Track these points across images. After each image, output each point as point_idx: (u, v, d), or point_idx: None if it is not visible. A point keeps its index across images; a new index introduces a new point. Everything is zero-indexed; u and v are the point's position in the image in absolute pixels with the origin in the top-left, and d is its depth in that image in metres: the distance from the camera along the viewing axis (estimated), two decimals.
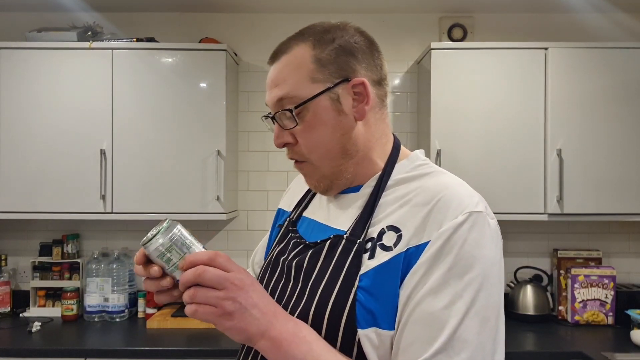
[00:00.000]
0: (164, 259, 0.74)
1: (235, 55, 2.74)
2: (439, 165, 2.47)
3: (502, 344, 0.75)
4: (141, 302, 2.68)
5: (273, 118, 0.87)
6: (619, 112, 2.46)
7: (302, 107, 0.82)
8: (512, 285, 2.72)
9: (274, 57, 0.88)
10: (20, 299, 2.75)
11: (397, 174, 0.86)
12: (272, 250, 0.98)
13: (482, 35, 2.82)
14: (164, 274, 0.76)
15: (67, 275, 2.72)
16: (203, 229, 2.82)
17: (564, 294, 2.67)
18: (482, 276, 0.73)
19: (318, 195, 0.98)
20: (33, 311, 2.68)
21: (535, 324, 2.59)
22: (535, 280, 2.71)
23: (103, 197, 2.48)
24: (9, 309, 2.68)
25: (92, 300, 2.61)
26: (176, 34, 2.82)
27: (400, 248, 0.76)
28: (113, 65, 2.49)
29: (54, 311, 2.67)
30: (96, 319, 2.60)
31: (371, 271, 0.77)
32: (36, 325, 2.43)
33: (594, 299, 2.59)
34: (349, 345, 0.75)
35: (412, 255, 0.75)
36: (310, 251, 0.85)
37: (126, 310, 2.65)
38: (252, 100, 2.87)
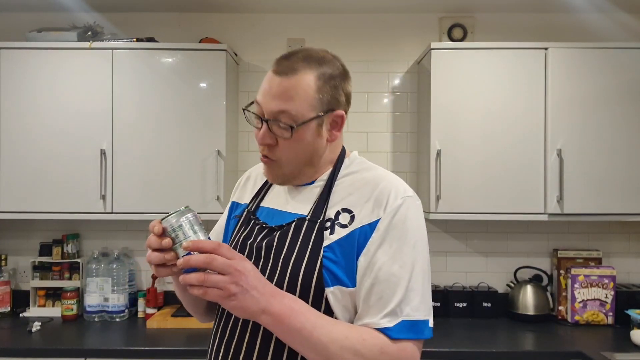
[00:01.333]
0: (173, 235, 0.90)
1: (235, 55, 2.74)
2: (440, 165, 2.50)
3: (430, 290, 1.01)
4: (141, 302, 2.68)
5: (267, 121, 1.02)
6: (619, 112, 2.46)
7: (300, 125, 1.00)
8: (512, 285, 2.73)
9: (284, 72, 1.02)
10: (20, 299, 2.75)
11: (344, 169, 1.10)
12: (235, 236, 1.14)
13: (483, 35, 2.82)
14: (169, 250, 0.91)
15: (67, 275, 2.73)
16: None
17: (563, 293, 2.67)
18: (420, 242, 1.00)
19: (273, 189, 1.17)
20: (33, 311, 2.68)
21: (535, 323, 2.59)
22: (535, 280, 2.71)
23: (103, 197, 2.48)
24: (9, 308, 2.68)
25: (92, 300, 2.61)
26: (176, 34, 2.82)
27: (355, 225, 1.00)
28: (113, 65, 2.49)
29: (54, 311, 2.67)
30: (96, 319, 2.60)
31: (333, 244, 0.99)
32: (36, 325, 2.43)
33: (594, 299, 2.59)
34: (318, 302, 0.96)
35: (366, 230, 0.99)
36: (278, 233, 1.04)
37: (126, 310, 2.65)
38: (252, 100, 2.86)
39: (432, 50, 2.50)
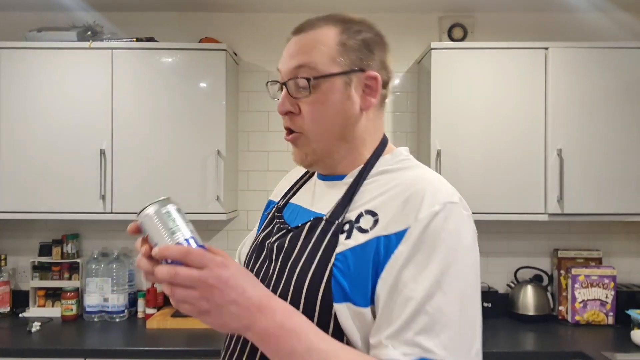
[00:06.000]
0: (147, 230, 0.73)
1: (235, 55, 2.74)
2: (440, 165, 2.49)
3: (480, 328, 0.79)
4: (141, 302, 2.68)
5: (284, 85, 0.90)
6: (619, 112, 2.46)
7: (319, 79, 0.86)
8: (513, 285, 2.72)
9: (300, 29, 0.92)
10: (20, 299, 2.74)
11: (379, 166, 0.91)
12: (258, 235, 1.01)
13: (483, 35, 2.82)
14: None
15: (66, 275, 2.72)
16: (203, 228, 2.82)
17: (564, 293, 2.66)
18: (459, 263, 0.77)
19: (305, 185, 1.04)
20: (33, 311, 2.68)
21: (536, 324, 2.58)
22: (536, 280, 2.71)
23: (103, 197, 2.48)
24: (8, 309, 2.68)
25: (91, 300, 2.60)
26: (176, 34, 2.81)
27: (376, 232, 0.81)
28: (113, 65, 2.49)
29: (53, 311, 2.66)
30: (96, 319, 2.60)
31: (348, 251, 0.81)
32: (36, 325, 2.43)
33: (594, 299, 2.59)
34: (326, 319, 0.79)
35: (391, 240, 0.79)
36: (291, 233, 0.90)
37: (126, 310, 2.65)
38: (252, 100, 2.87)
39: (432, 50, 2.49)
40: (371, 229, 0.82)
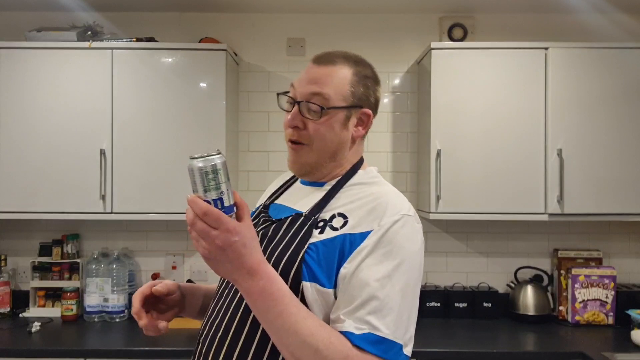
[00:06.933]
0: (190, 179, 0.86)
1: (235, 55, 2.74)
2: (439, 165, 2.49)
3: (415, 321, 0.98)
4: None
5: (298, 103, 1.07)
6: (619, 112, 2.46)
7: (329, 110, 1.06)
8: (513, 285, 2.72)
9: (322, 61, 1.10)
10: (20, 299, 2.74)
11: (354, 179, 1.11)
12: None
13: (483, 35, 2.82)
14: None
15: (66, 275, 2.72)
16: None
17: (564, 294, 2.67)
18: (408, 263, 0.96)
19: (289, 189, 1.22)
20: (33, 311, 2.68)
21: (536, 324, 2.59)
22: (536, 280, 2.71)
23: (103, 197, 2.47)
24: (8, 309, 2.68)
25: (91, 300, 2.60)
26: (176, 34, 2.81)
27: (345, 231, 1.00)
28: (113, 65, 2.49)
29: (53, 311, 2.66)
30: (96, 319, 2.60)
31: (319, 242, 0.99)
32: (36, 326, 2.43)
33: (595, 299, 2.59)
34: (295, 293, 0.94)
35: (355, 238, 0.98)
36: (274, 225, 1.08)
37: (126, 311, 2.64)
38: (252, 100, 2.87)
39: (432, 50, 2.49)
40: (341, 228, 1.00)
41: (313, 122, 1.06)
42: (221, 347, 1.01)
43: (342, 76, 1.08)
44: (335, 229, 1.00)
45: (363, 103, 1.10)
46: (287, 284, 0.94)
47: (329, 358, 0.88)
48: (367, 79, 1.11)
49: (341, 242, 0.98)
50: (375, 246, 0.96)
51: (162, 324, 1.09)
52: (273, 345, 0.95)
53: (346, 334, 0.90)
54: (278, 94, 1.14)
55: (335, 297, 0.97)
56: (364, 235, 0.97)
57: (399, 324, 0.93)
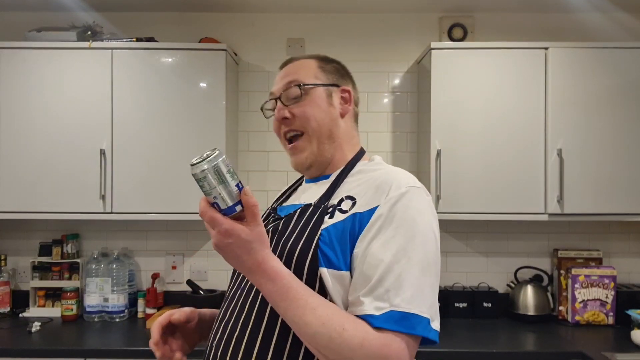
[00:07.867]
0: (199, 184, 0.88)
1: (235, 55, 2.74)
2: (440, 165, 2.49)
3: (437, 289, 0.95)
4: (141, 302, 2.68)
5: (279, 99, 1.12)
6: (619, 112, 2.46)
7: (307, 86, 1.11)
8: (513, 285, 2.72)
9: (288, 61, 1.18)
10: (20, 299, 2.74)
11: (358, 167, 1.12)
12: None
13: (483, 35, 2.82)
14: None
15: (66, 275, 2.72)
16: (203, 228, 2.82)
17: (564, 294, 2.66)
18: (422, 234, 0.93)
19: (295, 192, 1.24)
20: (33, 311, 2.68)
21: (536, 324, 2.59)
22: (536, 280, 2.71)
23: (103, 197, 2.47)
24: (8, 309, 2.68)
25: (91, 300, 2.60)
26: (176, 34, 2.81)
27: (354, 211, 0.99)
28: (113, 65, 2.49)
29: (53, 311, 2.67)
30: (96, 319, 2.60)
31: (330, 227, 0.98)
32: (36, 326, 2.43)
33: (595, 299, 2.59)
34: (312, 281, 0.94)
35: (364, 216, 0.96)
36: (284, 218, 1.08)
37: (126, 310, 2.65)
38: (252, 100, 2.86)
39: (432, 50, 2.49)
40: (349, 209, 0.99)
41: (298, 106, 1.10)
42: (239, 346, 0.98)
43: (309, 64, 1.15)
44: (345, 212, 0.99)
45: (339, 82, 1.15)
46: (303, 273, 0.94)
47: (343, 345, 0.86)
48: (334, 64, 1.18)
49: (351, 222, 0.97)
50: (385, 221, 0.93)
51: (177, 354, 1.08)
52: (294, 334, 0.93)
53: (366, 318, 0.88)
54: (262, 108, 1.20)
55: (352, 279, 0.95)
56: (371, 212, 0.95)
57: (422, 298, 0.89)
